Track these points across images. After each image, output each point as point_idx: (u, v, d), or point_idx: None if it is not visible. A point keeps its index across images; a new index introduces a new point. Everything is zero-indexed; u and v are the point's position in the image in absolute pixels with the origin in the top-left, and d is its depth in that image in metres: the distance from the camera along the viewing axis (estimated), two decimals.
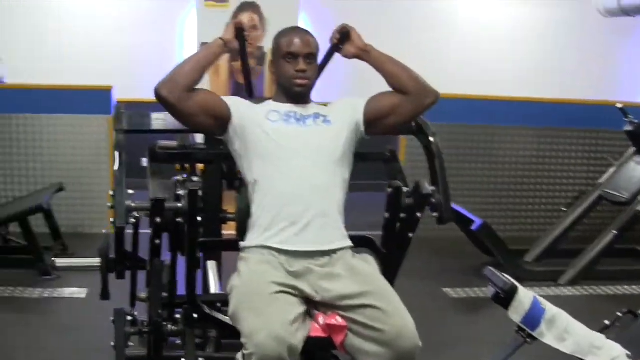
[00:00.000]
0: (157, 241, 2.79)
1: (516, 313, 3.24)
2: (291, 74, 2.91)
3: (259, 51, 8.22)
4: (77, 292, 4.77)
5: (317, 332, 2.55)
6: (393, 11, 8.82)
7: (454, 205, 5.58)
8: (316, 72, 3.00)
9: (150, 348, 2.92)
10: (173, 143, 3.59)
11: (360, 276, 2.72)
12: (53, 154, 6.29)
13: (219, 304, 2.92)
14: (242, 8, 8.32)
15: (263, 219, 2.79)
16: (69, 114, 6.17)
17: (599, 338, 3.36)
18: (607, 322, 3.54)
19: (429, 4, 8.89)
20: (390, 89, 2.97)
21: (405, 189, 2.95)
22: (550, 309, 3.32)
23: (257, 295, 2.57)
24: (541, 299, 3.35)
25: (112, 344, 2.98)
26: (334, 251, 2.78)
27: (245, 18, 8.26)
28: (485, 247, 5.57)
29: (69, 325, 4.22)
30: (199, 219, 2.74)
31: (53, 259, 4.54)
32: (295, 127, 2.88)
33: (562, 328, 3.30)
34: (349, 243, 2.86)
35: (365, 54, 3.00)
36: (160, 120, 3.11)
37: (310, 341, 2.50)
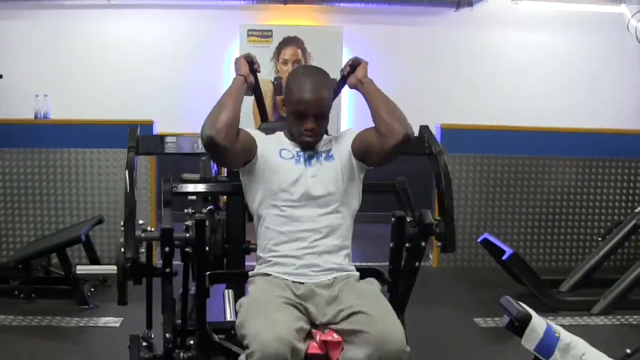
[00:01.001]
0: (168, 270, 2.90)
1: (529, 341, 3.26)
2: (299, 130, 2.96)
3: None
4: (111, 321, 4.91)
5: (315, 350, 2.62)
6: (435, 44, 8.89)
7: (487, 235, 5.64)
8: (327, 122, 3.03)
9: None
10: (196, 176, 3.72)
11: (358, 291, 2.80)
12: (95, 187, 6.43)
13: (233, 332, 2.99)
14: (285, 43, 8.49)
15: (266, 253, 2.91)
16: (111, 148, 6.31)
17: None
18: (628, 350, 3.55)
19: (472, 37, 8.91)
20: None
21: (409, 219, 2.99)
22: (565, 338, 3.33)
23: (265, 305, 2.66)
24: (556, 327, 3.37)
25: None
26: (338, 278, 2.87)
27: (289, 52, 8.44)
28: (518, 277, 5.56)
29: (101, 352, 4.35)
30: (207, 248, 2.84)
31: (76, 265, 4.62)
32: (302, 168, 2.95)
33: (577, 356, 3.31)
34: (355, 273, 2.94)
35: (360, 84, 3.02)
36: (172, 144, 3.22)
37: (308, 358, 2.57)
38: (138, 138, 3.15)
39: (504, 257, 5.35)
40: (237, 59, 3.05)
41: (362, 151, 2.97)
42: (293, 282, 2.82)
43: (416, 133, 3.16)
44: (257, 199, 2.96)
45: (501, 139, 6.84)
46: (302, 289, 2.81)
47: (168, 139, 3.23)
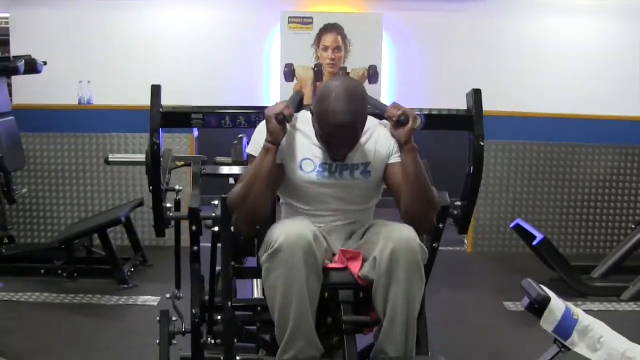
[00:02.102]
0: (195, 248, 3.04)
1: (548, 323, 3.34)
2: (330, 151, 2.89)
3: (343, 71, 8.44)
4: (150, 299, 5.07)
5: (335, 264, 2.78)
6: (474, 30, 8.88)
7: (519, 220, 5.69)
8: (359, 140, 2.90)
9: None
10: (228, 159, 3.84)
11: (375, 220, 2.95)
12: (137, 171, 6.57)
13: (259, 308, 3.10)
14: (325, 29, 8.55)
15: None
16: None
17: (634, 349, 3.42)
18: None
19: (512, 22, 8.90)
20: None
21: None
22: (583, 320, 3.39)
23: (290, 219, 2.86)
24: (575, 310, 3.43)
25: (157, 341, 3.22)
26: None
27: (330, 38, 8.50)
28: (549, 263, 5.61)
29: (139, 329, 4.49)
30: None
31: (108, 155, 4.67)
32: (328, 181, 2.92)
33: (595, 338, 3.37)
34: None
35: (401, 146, 2.87)
36: (199, 119, 3.29)
37: (329, 273, 2.73)
38: (162, 112, 3.17)
39: (534, 242, 5.40)
40: (267, 118, 2.80)
41: (386, 184, 3.01)
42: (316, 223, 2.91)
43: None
44: (280, 193, 3.06)
45: (538, 126, 6.88)
46: (324, 227, 2.92)
47: (194, 115, 3.26)
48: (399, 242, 2.63)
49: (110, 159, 4.26)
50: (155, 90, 3.18)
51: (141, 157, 3.11)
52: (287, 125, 2.86)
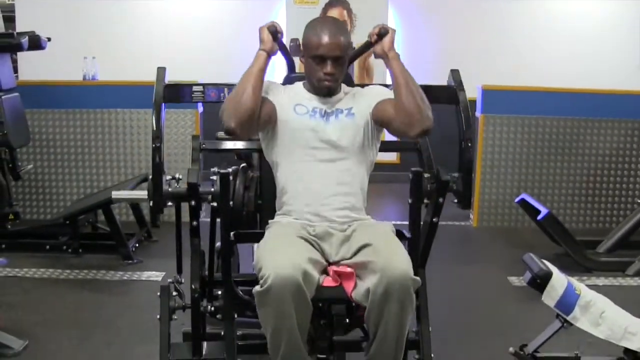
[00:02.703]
0: (195, 223, 3.04)
1: (550, 298, 3.35)
2: (319, 75, 2.98)
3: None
4: (154, 275, 5.11)
5: (329, 282, 2.76)
6: (483, 6, 8.82)
7: (525, 195, 5.69)
8: (345, 69, 3.05)
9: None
10: None
11: (369, 229, 2.93)
12: (142, 146, 6.61)
13: None
14: (330, 4, 8.51)
15: (283, 207, 3.04)
16: None
17: (636, 324, 3.43)
18: None
19: None
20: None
21: (426, 175, 3.05)
22: (585, 295, 3.41)
23: (280, 240, 2.81)
24: (578, 285, 3.44)
25: (158, 316, 3.23)
26: (353, 220, 2.99)
27: (335, 13, 8.46)
28: (555, 238, 5.60)
29: (142, 304, 4.52)
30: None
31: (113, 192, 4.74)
32: (318, 122, 3.01)
33: (597, 314, 3.38)
34: (368, 217, 3.06)
35: (386, 58, 2.98)
36: (199, 92, 3.29)
37: (323, 291, 2.71)
38: (164, 85, 3.18)
39: (539, 217, 5.39)
40: (260, 30, 3.00)
41: (381, 123, 3.04)
42: (309, 224, 2.94)
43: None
44: (273, 151, 3.07)
45: (543, 101, 6.84)
46: (317, 229, 2.92)
47: (195, 87, 3.26)
48: (394, 280, 2.63)
49: (113, 197, 4.33)
50: (161, 72, 3.21)
51: (143, 194, 3.15)
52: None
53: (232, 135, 2.90)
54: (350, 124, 3.02)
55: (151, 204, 3.03)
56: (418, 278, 2.73)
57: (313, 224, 2.95)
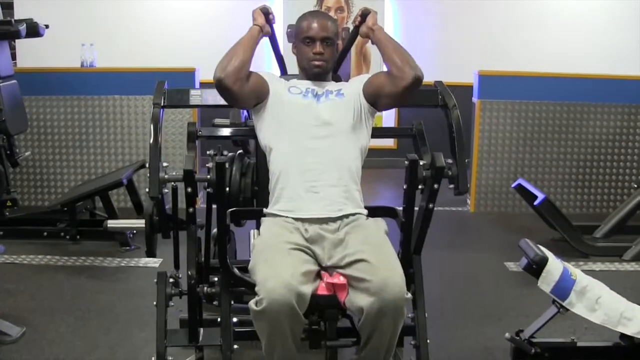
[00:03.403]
0: (191, 209, 3.05)
1: (545, 283, 3.36)
2: (309, 56, 3.12)
3: (345, 32, 8.38)
4: (151, 261, 5.09)
5: (323, 291, 2.76)
6: None
7: (521, 180, 5.70)
8: (334, 54, 3.19)
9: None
10: (226, 121, 3.86)
11: (362, 233, 2.90)
12: (140, 133, 6.62)
13: None
14: None
15: (276, 188, 3.03)
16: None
17: (633, 309, 3.44)
18: None
19: None
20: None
21: (422, 162, 3.06)
22: (581, 280, 3.41)
23: (273, 251, 2.79)
24: (574, 270, 3.45)
25: (155, 303, 3.24)
26: (346, 216, 2.97)
27: (332, 0, 8.45)
28: (552, 223, 5.61)
29: (139, 291, 4.54)
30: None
31: (106, 221, 4.77)
32: (310, 101, 3.10)
33: (592, 299, 3.39)
34: (363, 211, 3.03)
35: (371, 32, 3.11)
36: (197, 96, 3.34)
37: (317, 298, 2.71)
38: (164, 92, 3.25)
39: (536, 203, 5.40)
40: (253, 10, 3.20)
41: (373, 94, 3.08)
42: (301, 222, 2.94)
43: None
44: (266, 133, 3.09)
45: (539, 86, 6.85)
46: (310, 230, 2.91)
47: (193, 92, 3.34)
48: (388, 303, 2.63)
49: (109, 226, 4.35)
50: (160, 86, 3.31)
51: (140, 223, 3.18)
52: (269, 29, 3.22)
53: (221, 88, 2.95)
54: (340, 103, 3.10)
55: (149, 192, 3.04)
56: (410, 295, 2.79)
57: (304, 217, 2.95)
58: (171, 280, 3.27)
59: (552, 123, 6.82)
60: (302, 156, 3.01)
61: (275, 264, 2.70)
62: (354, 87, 3.16)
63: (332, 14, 8.28)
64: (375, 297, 2.64)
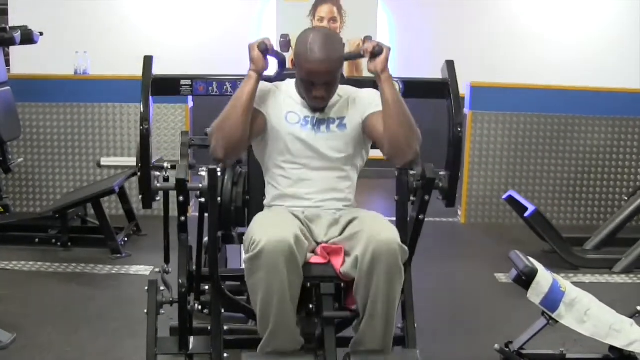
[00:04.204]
0: (183, 218, 3.07)
1: (535, 295, 3.38)
2: (310, 96, 2.96)
3: (336, 34, 8.40)
4: (142, 269, 5.12)
5: (317, 260, 2.81)
6: (475, 3, 8.87)
7: (512, 192, 5.72)
8: (337, 86, 3.01)
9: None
10: None
11: (356, 211, 3.00)
12: (132, 140, 6.61)
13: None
14: (321, 0, 8.51)
15: (274, 200, 3.08)
16: None
17: (622, 322, 3.46)
18: (639, 307, 3.62)
19: None
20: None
21: (412, 172, 3.08)
22: (570, 292, 3.43)
23: (272, 216, 2.90)
24: (563, 282, 3.47)
25: (145, 311, 3.25)
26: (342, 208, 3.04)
27: (325, 9, 8.46)
28: (542, 235, 5.63)
29: (130, 298, 4.54)
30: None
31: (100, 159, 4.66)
32: (308, 133, 3.00)
33: (582, 311, 3.41)
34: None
35: (378, 77, 2.90)
36: (187, 87, 3.31)
37: (311, 268, 2.77)
38: (151, 78, 3.18)
39: (527, 214, 5.42)
40: (250, 48, 2.92)
41: (369, 137, 3.06)
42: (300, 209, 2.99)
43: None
44: (261, 155, 3.11)
45: (531, 98, 6.88)
46: (307, 212, 2.98)
47: (183, 81, 3.29)
48: (381, 245, 2.67)
49: (102, 163, 4.31)
50: (148, 61, 3.19)
51: (132, 161, 3.17)
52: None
53: (220, 162, 2.95)
54: (341, 136, 3.03)
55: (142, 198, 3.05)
56: (406, 247, 2.77)
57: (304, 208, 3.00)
58: (162, 287, 3.28)
59: (543, 135, 6.84)
60: (297, 187, 3.02)
61: (275, 222, 2.79)
62: (357, 115, 3.04)
63: (325, 24, 8.29)
64: (367, 241, 2.68)
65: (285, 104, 3.05)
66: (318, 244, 2.91)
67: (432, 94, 3.29)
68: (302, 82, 2.97)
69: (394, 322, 2.82)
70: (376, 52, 2.87)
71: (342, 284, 2.86)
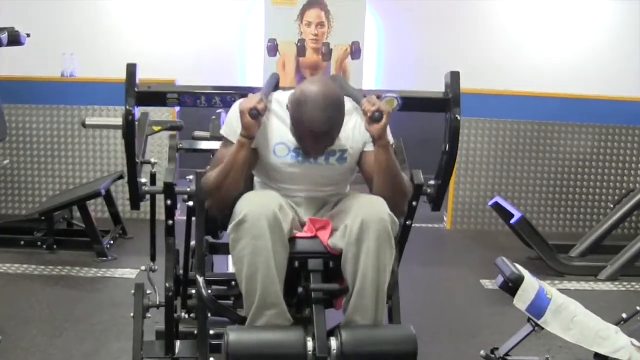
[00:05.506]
0: (170, 222, 3.06)
1: (521, 301, 3.37)
2: (304, 148, 2.86)
3: (326, 47, 8.41)
4: (127, 272, 5.11)
5: (303, 234, 2.82)
6: (457, 6, 8.86)
7: (498, 198, 5.73)
8: (335, 138, 2.86)
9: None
10: (206, 134, 3.86)
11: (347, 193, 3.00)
12: (119, 144, 6.57)
13: (233, 282, 3.10)
14: (309, 5, 8.49)
15: None
16: None
17: (607, 329, 3.46)
18: (624, 315, 3.63)
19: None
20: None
21: None
22: (557, 299, 3.43)
23: (256, 192, 2.90)
24: (549, 289, 3.47)
25: (131, 314, 3.25)
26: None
27: (313, 14, 8.46)
28: (528, 241, 5.65)
29: (115, 301, 4.52)
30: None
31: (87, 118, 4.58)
32: (302, 164, 2.92)
33: (568, 318, 3.41)
34: None
35: (374, 140, 2.82)
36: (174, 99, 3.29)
37: (298, 242, 2.77)
38: (137, 92, 3.15)
39: (512, 221, 5.42)
40: (241, 114, 2.76)
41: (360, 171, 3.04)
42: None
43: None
44: (253, 173, 3.09)
45: (517, 105, 6.89)
46: (297, 199, 2.98)
47: (170, 95, 3.26)
48: (370, 212, 2.66)
49: (87, 122, 4.25)
50: (130, 69, 3.13)
51: (118, 120, 3.12)
52: (261, 124, 2.86)
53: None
54: (338, 169, 2.98)
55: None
56: (396, 219, 2.75)
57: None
58: (148, 291, 3.28)
59: (529, 142, 6.86)
60: (289, 202, 2.96)
61: (258, 195, 2.81)
62: (357, 148, 2.98)
63: (312, 29, 8.29)
64: (356, 212, 2.68)
65: (274, 133, 2.93)
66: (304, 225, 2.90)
67: (431, 108, 3.29)
68: (296, 139, 2.84)
69: (385, 297, 2.78)
70: (375, 117, 2.76)
71: (331, 263, 2.81)
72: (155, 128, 4.27)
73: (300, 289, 2.82)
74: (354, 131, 2.96)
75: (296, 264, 2.79)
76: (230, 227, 2.67)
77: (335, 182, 3.01)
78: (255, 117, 2.74)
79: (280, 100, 2.95)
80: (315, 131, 2.71)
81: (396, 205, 2.84)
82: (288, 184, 2.96)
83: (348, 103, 2.92)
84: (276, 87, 3.11)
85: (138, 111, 3.18)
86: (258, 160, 2.94)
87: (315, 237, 2.80)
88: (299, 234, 2.80)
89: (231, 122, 2.91)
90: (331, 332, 2.72)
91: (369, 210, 2.67)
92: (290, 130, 2.85)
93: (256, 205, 2.61)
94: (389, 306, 3.00)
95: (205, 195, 2.84)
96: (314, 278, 2.79)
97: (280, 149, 2.91)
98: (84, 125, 5.01)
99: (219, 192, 2.80)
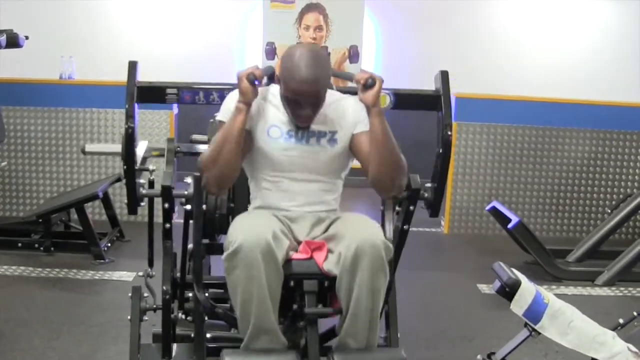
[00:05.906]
0: (167, 225, 3.06)
1: (518, 306, 3.37)
2: (295, 114, 2.88)
3: (324, 51, 8.42)
4: (125, 275, 5.12)
5: (298, 256, 2.80)
6: (455, 10, 8.93)
7: (496, 203, 5.73)
8: (322, 104, 2.90)
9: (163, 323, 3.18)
10: (204, 137, 3.87)
11: (341, 213, 3.01)
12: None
13: None
14: (307, 9, 8.51)
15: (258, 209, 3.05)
16: None
17: (604, 334, 3.46)
18: (621, 320, 3.63)
19: (491, 4, 9.02)
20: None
21: None
22: (554, 304, 3.43)
23: (251, 216, 2.90)
24: (546, 294, 3.47)
25: (129, 317, 3.25)
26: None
27: (311, 18, 8.47)
28: (525, 246, 5.65)
29: (112, 304, 4.52)
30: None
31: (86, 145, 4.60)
32: (295, 146, 2.94)
33: (565, 323, 3.41)
34: None
35: (368, 110, 2.82)
36: (173, 95, 3.27)
37: (293, 264, 2.75)
38: (137, 85, 3.12)
39: (510, 226, 5.43)
40: (239, 79, 2.80)
41: (354, 156, 3.03)
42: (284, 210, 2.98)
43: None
44: (248, 168, 3.06)
45: (515, 109, 6.91)
46: (289, 213, 2.97)
47: (169, 90, 3.23)
48: (364, 240, 2.66)
49: (87, 150, 4.27)
50: (132, 65, 3.14)
51: (118, 147, 3.13)
52: (258, 92, 2.86)
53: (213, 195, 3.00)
54: (330, 151, 2.98)
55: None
56: (390, 245, 2.75)
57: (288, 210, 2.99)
58: (145, 294, 3.27)
59: (527, 147, 6.87)
60: (281, 199, 2.99)
61: (254, 221, 2.78)
62: (347, 131, 2.98)
63: (311, 32, 8.31)
64: (350, 239, 2.68)
65: (269, 116, 2.97)
66: (299, 243, 2.89)
67: (423, 106, 3.28)
68: (286, 100, 2.88)
69: (378, 321, 2.79)
70: (369, 84, 2.78)
71: (326, 283, 2.81)
72: (154, 152, 4.29)
73: (295, 306, 2.85)
74: (343, 115, 2.99)
75: (291, 283, 2.79)
76: (224, 255, 2.67)
77: (327, 171, 3.00)
78: (252, 82, 2.78)
79: (275, 91, 3.00)
80: (303, 79, 2.75)
81: (394, 182, 2.84)
82: (281, 171, 2.96)
83: (336, 93, 3.02)
84: (271, 78, 3.12)
85: (138, 114, 3.16)
86: (252, 144, 2.94)
87: (310, 258, 2.80)
88: (294, 256, 2.79)
89: (227, 106, 2.93)
90: (324, 354, 2.74)
91: (363, 239, 2.67)
92: (282, 103, 2.92)
93: (250, 235, 2.60)
94: (385, 311, 3.01)
95: (200, 171, 2.83)
96: (308, 299, 2.80)
97: (273, 131, 2.94)
98: (83, 152, 5.04)
99: (215, 166, 2.78)
